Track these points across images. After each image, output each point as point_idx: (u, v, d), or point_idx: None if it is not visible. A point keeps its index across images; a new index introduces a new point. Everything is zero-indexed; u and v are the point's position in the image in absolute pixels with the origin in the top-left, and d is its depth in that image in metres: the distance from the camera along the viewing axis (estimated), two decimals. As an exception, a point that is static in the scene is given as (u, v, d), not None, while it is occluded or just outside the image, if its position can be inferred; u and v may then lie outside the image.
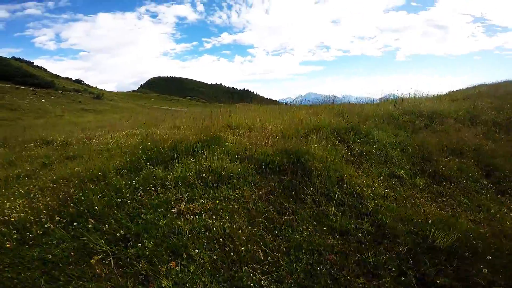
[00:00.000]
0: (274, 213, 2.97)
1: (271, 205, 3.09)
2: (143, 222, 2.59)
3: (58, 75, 78.13)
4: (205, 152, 4.25)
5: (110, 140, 6.90)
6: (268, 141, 4.81)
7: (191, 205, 2.86)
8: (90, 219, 2.57)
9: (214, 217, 2.77)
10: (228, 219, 2.79)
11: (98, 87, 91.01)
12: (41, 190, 3.67)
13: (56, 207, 2.95)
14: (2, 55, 74.00)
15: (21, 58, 77.74)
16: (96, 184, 3.39)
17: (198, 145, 4.50)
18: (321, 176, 3.56)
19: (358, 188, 3.63)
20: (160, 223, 2.55)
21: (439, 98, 12.58)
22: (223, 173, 3.42)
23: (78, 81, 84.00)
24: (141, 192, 3.11)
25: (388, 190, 3.97)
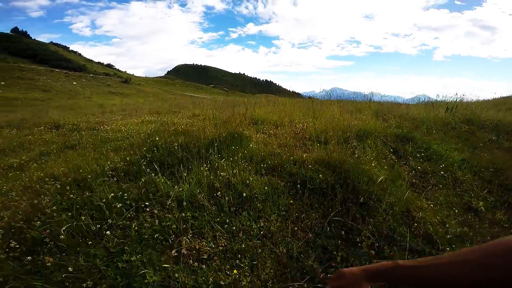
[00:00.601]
0: (315, 264, 2.01)
1: (310, 249, 2.13)
2: (121, 273, 1.73)
3: (91, 60, 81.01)
4: (223, 155, 3.36)
5: (122, 128, 6.22)
6: (302, 146, 3.82)
7: (197, 243, 1.97)
8: (48, 257, 1.76)
9: (228, 267, 1.86)
10: (248, 269, 1.88)
11: (127, 72, 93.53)
12: (22, 191, 2.98)
13: (20, 223, 2.19)
14: (43, 41, 77.78)
15: (59, 43, 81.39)
16: (80, 192, 2.61)
17: (215, 144, 3.61)
18: (382, 207, 2.53)
19: (430, 226, 2.57)
20: (147, 279, 1.67)
21: (494, 104, 10.75)
22: (244, 194, 2.49)
23: (109, 66, 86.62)
24: (131, 213, 2.27)
25: (465, 228, 2.86)
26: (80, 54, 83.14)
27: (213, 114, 6.81)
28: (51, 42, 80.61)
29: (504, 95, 12.40)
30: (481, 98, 10.68)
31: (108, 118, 9.64)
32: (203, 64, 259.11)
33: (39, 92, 36.08)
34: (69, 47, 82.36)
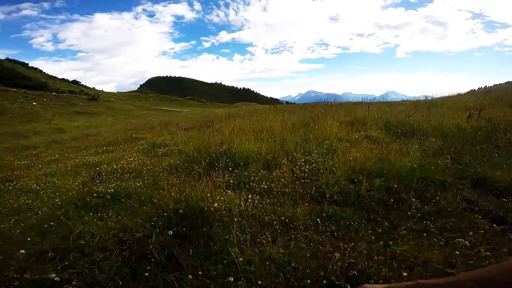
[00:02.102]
0: None
1: None
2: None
3: (55, 76, 75.79)
4: None
5: (34, 186, 4.27)
6: (326, 224, 2.31)
7: None
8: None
9: None
10: None
11: (96, 88, 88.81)
12: None
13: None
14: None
15: (16, 59, 75.31)
16: None
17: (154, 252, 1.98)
18: None
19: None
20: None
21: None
22: None
23: (75, 82, 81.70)
24: None
25: None
26: (42, 70, 77.44)
27: (180, 142, 5.21)
28: (7, 59, 74.45)
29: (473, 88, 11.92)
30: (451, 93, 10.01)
31: (36, 159, 7.66)
32: (177, 76, 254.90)
33: (-10, 117, 32.23)
34: (28, 64, 76.46)
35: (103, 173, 4.41)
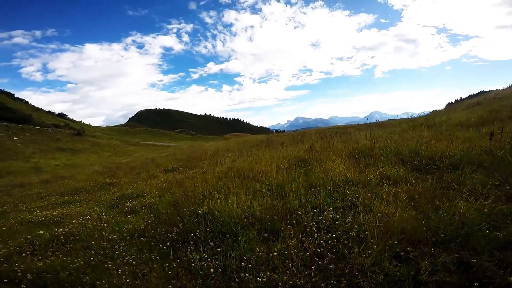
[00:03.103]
0: None
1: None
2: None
3: (40, 109, 73.90)
4: None
5: None
6: None
7: None
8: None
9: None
10: None
11: (83, 122, 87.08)
12: None
13: None
14: None
15: (3, 89, 73.51)
16: None
17: None
18: None
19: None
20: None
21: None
22: None
23: (61, 115, 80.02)
24: None
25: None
26: (28, 102, 75.48)
27: (155, 193, 4.11)
28: None
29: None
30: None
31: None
32: (166, 108, 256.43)
33: (-37, 156, 30.04)
34: (14, 94, 74.63)
35: (36, 243, 3.23)
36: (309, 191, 3.58)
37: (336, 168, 4.43)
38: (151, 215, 3.93)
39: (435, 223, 2.43)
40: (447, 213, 2.59)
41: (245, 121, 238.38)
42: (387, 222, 2.56)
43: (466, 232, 2.27)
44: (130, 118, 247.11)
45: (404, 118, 18.36)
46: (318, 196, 3.37)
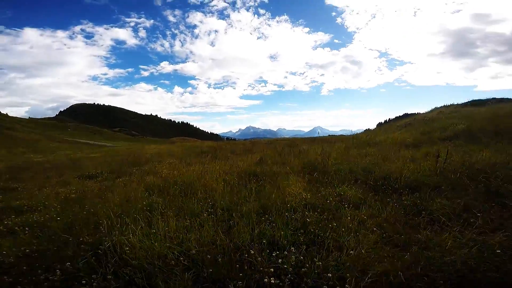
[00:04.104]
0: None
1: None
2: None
3: None
4: None
5: None
6: None
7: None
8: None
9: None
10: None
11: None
12: None
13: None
14: None
15: None
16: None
17: None
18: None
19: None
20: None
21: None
22: None
23: (-35, 102, 65.38)
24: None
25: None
26: None
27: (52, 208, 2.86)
28: None
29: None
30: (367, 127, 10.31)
31: None
32: (106, 104, 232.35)
33: None
34: None
35: None
36: (263, 218, 2.82)
37: (291, 186, 3.80)
38: (34, 241, 2.67)
39: (424, 266, 1.90)
40: (433, 251, 2.11)
41: (195, 126, 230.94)
42: (364, 266, 1.94)
43: (466, 277, 1.78)
44: (61, 111, 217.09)
45: (343, 135, 19.62)
46: (274, 225, 2.63)
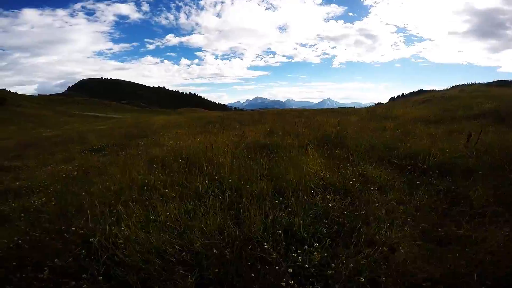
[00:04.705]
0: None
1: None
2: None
3: None
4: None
5: None
6: None
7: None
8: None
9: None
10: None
11: (8, 90, 73.45)
12: None
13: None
14: None
15: None
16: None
17: None
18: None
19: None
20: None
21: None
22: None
23: (-24, 80, 65.57)
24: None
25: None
26: None
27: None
28: None
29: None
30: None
31: None
32: (114, 78, 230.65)
33: None
34: None
35: None
36: (277, 201, 2.46)
37: (308, 164, 3.39)
38: (28, 229, 2.44)
39: (479, 274, 1.52)
40: (482, 251, 1.72)
41: (202, 96, 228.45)
42: (403, 267, 1.59)
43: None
44: (69, 87, 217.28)
45: (354, 107, 18.63)
46: (290, 211, 2.27)
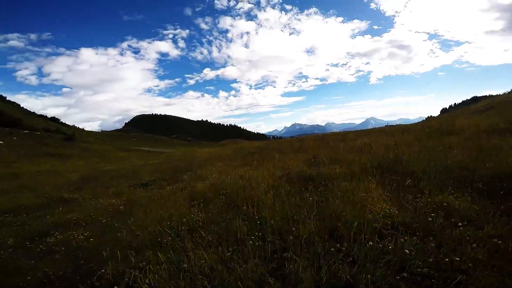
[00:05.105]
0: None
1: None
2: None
3: (33, 112, 71.86)
4: None
5: None
6: None
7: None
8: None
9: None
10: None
11: (77, 126, 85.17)
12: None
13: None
14: None
15: None
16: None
17: None
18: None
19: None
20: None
21: None
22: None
23: (54, 120, 78.00)
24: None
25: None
26: (20, 105, 73.86)
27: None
28: None
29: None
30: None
31: None
32: (162, 114, 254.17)
33: None
34: (5, 97, 73.02)
35: None
36: (332, 248, 1.98)
37: (368, 198, 2.81)
38: (63, 265, 2.34)
39: None
40: None
41: (242, 127, 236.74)
42: None
43: None
44: (126, 123, 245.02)
45: (402, 124, 16.89)
46: (352, 261, 1.77)
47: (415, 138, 8.50)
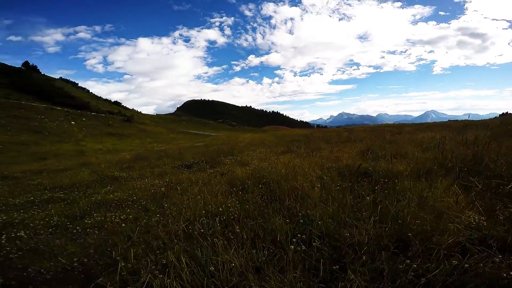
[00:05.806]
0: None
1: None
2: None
3: (99, 97, 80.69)
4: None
5: None
6: None
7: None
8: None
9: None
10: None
11: (136, 109, 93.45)
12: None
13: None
14: (54, 77, 78.75)
15: (68, 79, 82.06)
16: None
17: None
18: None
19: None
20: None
21: None
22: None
23: (117, 103, 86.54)
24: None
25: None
26: (89, 90, 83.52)
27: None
28: (60, 78, 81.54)
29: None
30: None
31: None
32: (210, 99, 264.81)
33: (28, 134, 33.20)
34: (77, 83, 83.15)
35: None
36: (401, 265, 1.50)
37: (451, 203, 2.19)
38: (91, 251, 2.29)
39: None
40: None
41: (284, 114, 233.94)
42: None
43: None
44: (178, 107, 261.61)
45: (469, 120, 14.31)
46: (425, 282, 1.29)
47: (491, 135, 7.03)
